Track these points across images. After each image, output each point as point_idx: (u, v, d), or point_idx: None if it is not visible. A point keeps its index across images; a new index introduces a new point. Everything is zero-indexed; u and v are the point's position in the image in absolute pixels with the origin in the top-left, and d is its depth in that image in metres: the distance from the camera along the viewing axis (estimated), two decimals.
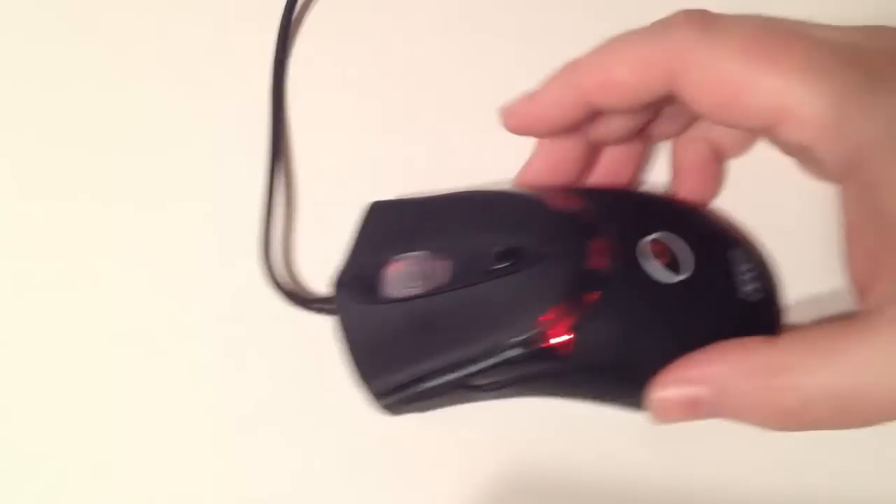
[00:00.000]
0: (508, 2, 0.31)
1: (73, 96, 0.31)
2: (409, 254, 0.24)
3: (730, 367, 0.20)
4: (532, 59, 0.24)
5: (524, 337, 0.22)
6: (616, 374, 0.23)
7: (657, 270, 0.22)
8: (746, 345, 0.20)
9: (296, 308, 0.27)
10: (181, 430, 0.27)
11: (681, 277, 0.23)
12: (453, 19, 0.31)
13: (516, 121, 0.24)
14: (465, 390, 0.23)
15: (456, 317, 0.23)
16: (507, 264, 0.23)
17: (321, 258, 0.27)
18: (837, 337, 0.19)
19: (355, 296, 0.24)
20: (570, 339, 0.22)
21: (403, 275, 0.24)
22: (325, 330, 0.25)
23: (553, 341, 0.22)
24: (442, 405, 0.25)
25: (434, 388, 0.23)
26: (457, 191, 0.26)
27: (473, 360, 0.22)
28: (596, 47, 0.22)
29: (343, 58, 0.31)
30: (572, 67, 0.22)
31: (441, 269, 0.24)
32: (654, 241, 0.23)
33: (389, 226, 0.26)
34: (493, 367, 0.22)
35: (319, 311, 0.26)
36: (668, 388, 0.21)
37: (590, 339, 0.22)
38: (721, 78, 0.20)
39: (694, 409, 0.21)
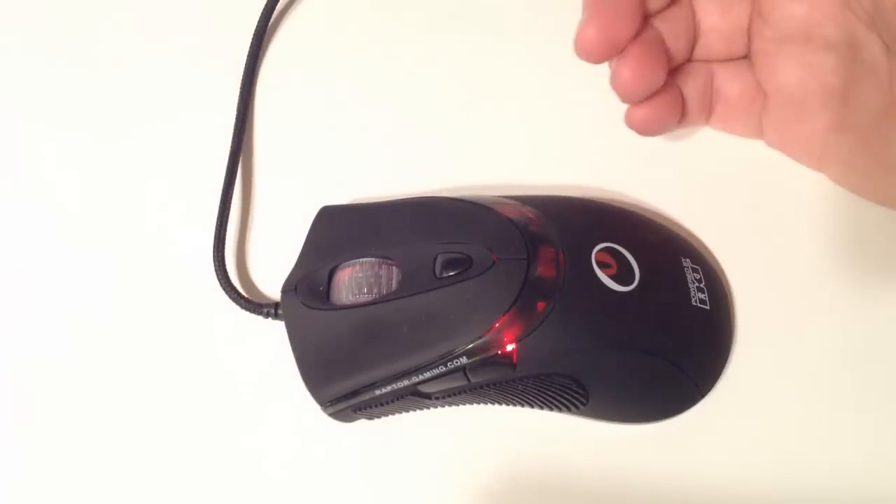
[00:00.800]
0: (469, 10, 0.31)
1: None
2: (357, 260, 0.24)
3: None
4: (487, 71, 0.24)
5: (473, 345, 0.22)
6: (564, 382, 0.22)
7: (607, 280, 0.22)
8: None
9: (247, 313, 0.26)
10: (131, 438, 0.27)
11: (631, 287, 0.22)
12: (420, 30, 0.31)
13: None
14: (415, 398, 0.23)
15: (405, 324, 0.22)
16: (456, 272, 0.22)
17: (276, 263, 0.26)
18: None
19: (303, 301, 0.24)
20: (519, 347, 0.22)
21: (352, 281, 0.24)
22: (278, 335, 0.25)
23: (502, 349, 0.22)
24: (391, 413, 0.24)
25: (382, 395, 0.23)
26: (407, 198, 0.26)
27: (422, 368, 0.22)
28: None
29: (310, 66, 0.31)
30: None
31: (389, 276, 0.24)
32: (603, 250, 0.23)
33: (339, 231, 0.26)
34: (442, 374, 0.22)
35: (269, 315, 0.26)
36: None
37: (539, 347, 0.22)
38: None
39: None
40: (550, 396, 0.23)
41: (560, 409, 0.24)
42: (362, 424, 0.25)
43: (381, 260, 0.24)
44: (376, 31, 0.31)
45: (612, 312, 0.22)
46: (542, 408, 0.23)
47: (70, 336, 0.28)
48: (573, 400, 0.23)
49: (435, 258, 0.23)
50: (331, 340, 0.23)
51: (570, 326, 0.22)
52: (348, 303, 0.23)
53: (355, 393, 0.23)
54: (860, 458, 0.23)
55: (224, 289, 0.26)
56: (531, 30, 0.30)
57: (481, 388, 0.23)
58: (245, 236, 0.29)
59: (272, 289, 0.28)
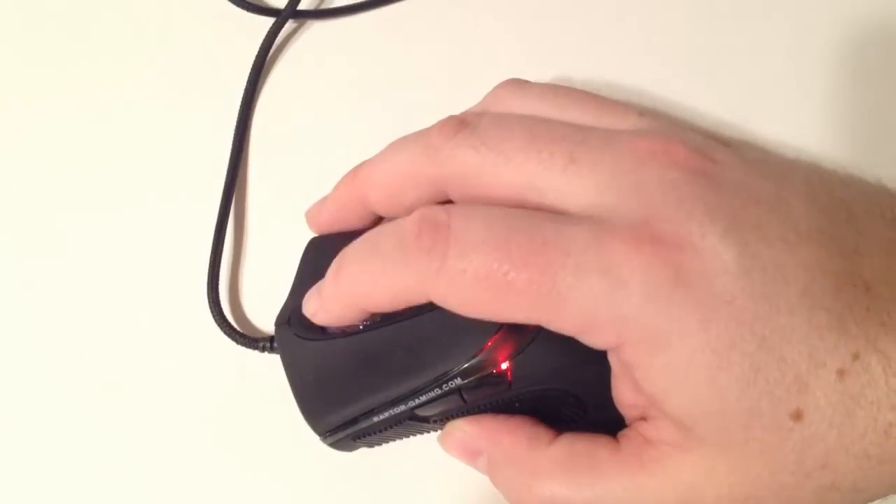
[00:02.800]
0: (464, 41, 0.31)
1: None
2: None
3: (501, 450, 0.22)
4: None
5: (467, 366, 0.22)
6: (560, 396, 0.23)
7: None
8: (525, 436, 0.22)
9: (243, 348, 0.26)
10: (124, 472, 0.27)
11: None
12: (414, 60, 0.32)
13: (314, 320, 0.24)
14: (413, 422, 0.23)
15: (397, 350, 0.22)
16: None
17: (271, 296, 0.26)
18: (602, 461, 0.20)
19: (297, 333, 0.24)
20: (513, 364, 0.22)
21: None
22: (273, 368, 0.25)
23: (496, 368, 0.22)
24: (390, 439, 0.24)
25: (380, 422, 0.23)
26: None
27: (418, 392, 0.22)
28: (352, 257, 0.22)
29: (308, 97, 0.32)
30: (340, 287, 0.22)
31: None
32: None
33: (328, 261, 0.26)
34: (439, 397, 0.22)
35: (265, 349, 0.26)
36: (454, 434, 0.23)
37: (532, 363, 0.22)
38: (474, 304, 0.20)
39: (468, 463, 0.23)
40: (548, 412, 0.23)
41: (561, 425, 0.24)
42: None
43: None
44: (373, 65, 0.32)
45: None
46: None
47: (63, 376, 0.28)
48: (571, 413, 0.23)
49: None
50: (326, 370, 0.23)
51: (561, 340, 0.22)
52: (341, 332, 0.24)
53: (353, 421, 0.23)
54: None
55: (219, 325, 0.27)
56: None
57: (478, 408, 0.23)
58: (238, 271, 0.29)
59: (266, 322, 0.28)
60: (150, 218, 0.30)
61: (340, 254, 0.22)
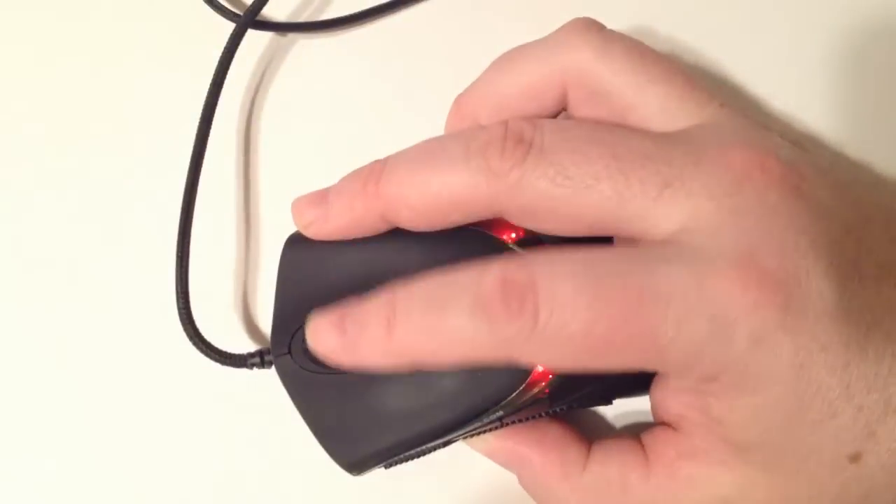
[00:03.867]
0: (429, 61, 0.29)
1: None
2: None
3: (532, 474, 0.22)
4: None
5: (511, 397, 0.20)
6: (593, 399, 0.22)
7: None
8: (558, 457, 0.21)
9: (228, 368, 0.24)
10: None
11: None
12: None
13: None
14: (444, 446, 0.22)
15: (431, 382, 0.21)
16: None
17: (248, 303, 0.24)
18: (634, 484, 0.20)
19: (303, 366, 0.22)
20: (551, 384, 0.21)
21: None
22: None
23: (537, 394, 0.21)
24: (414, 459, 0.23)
25: (413, 454, 0.22)
26: None
27: (458, 426, 0.21)
28: (411, 312, 0.19)
29: (276, 92, 0.29)
30: (391, 343, 0.19)
31: None
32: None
33: (316, 265, 0.23)
34: (478, 428, 0.21)
35: (255, 366, 0.24)
36: (480, 447, 0.23)
37: (571, 380, 0.21)
38: (567, 365, 0.18)
39: (502, 465, 0.23)
40: (577, 410, 0.23)
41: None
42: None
43: None
44: (348, 66, 0.29)
45: None
46: None
47: (38, 426, 0.25)
48: (598, 405, 0.23)
49: None
50: (348, 407, 0.21)
51: None
52: None
53: (385, 455, 0.22)
54: None
55: (199, 348, 0.24)
56: None
57: (514, 423, 0.22)
58: (209, 281, 0.26)
59: (246, 334, 0.25)
60: (108, 225, 0.27)
61: (389, 299, 0.19)
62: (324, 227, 0.22)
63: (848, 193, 0.19)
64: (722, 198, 0.18)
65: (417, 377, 0.21)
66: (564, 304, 0.17)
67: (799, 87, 0.27)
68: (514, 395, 0.20)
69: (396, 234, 0.22)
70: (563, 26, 0.22)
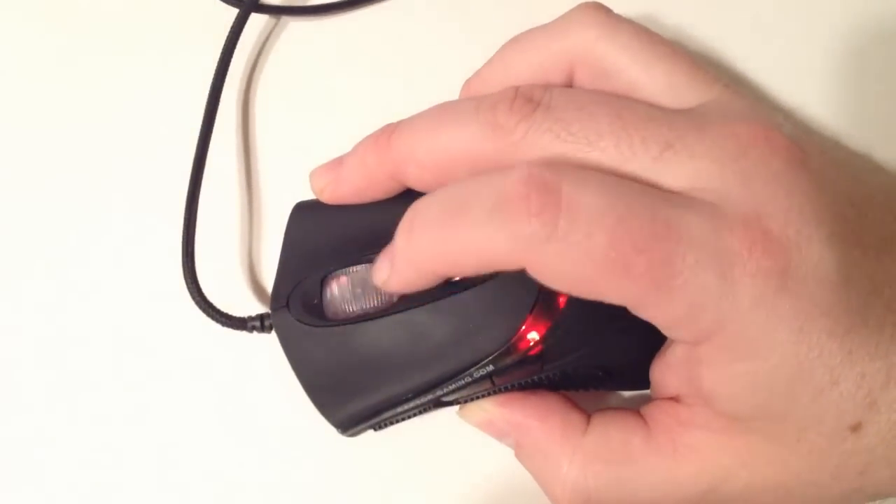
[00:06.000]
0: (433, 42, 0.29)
1: None
2: (351, 266, 0.22)
3: (532, 440, 0.21)
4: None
5: (499, 352, 0.20)
6: (589, 369, 0.22)
7: None
8: (558, 421, 0.21)
9: (231, 330, 0.24)
10: (118, 466, 0.25)
11: None
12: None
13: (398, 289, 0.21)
14: (436, 407, 0.22)
15: (420, 338, 0.21)
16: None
17: (253, 269, 0.24)
18: (636, 447, 0.20)
19: (299, 318, 0.22)
20: (544, 344, 0.21)
21: (348, 290, 0.22)
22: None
23: (528, 351, 0.21)
24: (404, 419, 0.23)
25: (403, 412, 0.22)
26: None
27: (447, 380, 0.21)
28: (431, 216, 0.19)
29: (276, 73, 0.29)
30: (411, 249, 0.20)
31: None
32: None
33: (321, 230, 0.23)
34: (469, 384, 0.21)
35: (255, 329, 0.24)
36: (478, 414, 0.22)
37: (564, 341, 0.21)
38: (578, 280, 0.18)
39: (500, 440, 0.22)
40: (575, 383, 0.22)
41: (581, 390, 0.23)
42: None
43: None
44: (345, 57, 0.29)
45: None
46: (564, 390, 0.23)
47: (41, 380, 0.26)
48: (596, 381, 0.22)
49: None
50: (340, 360, 0.21)
51: (589, 317, 0.21)
52: (350, 316, 0.22)
53: (375, 413, 0.22)
54: None
55: (200, 307, 0.24)
56: None
57: (507, 388, 0.22)
58: (215, 247, 0.26)
59: (251, 299, 0.26)
60: (117, 199, 0.28)
61: (412, 210, 0.19)
62: (337, 190, 0.22)
63: (850, 171, 0.19)
64: (726, 161, 0.18)
65: (407, 330, 0.21)
66: (591, 217, 0.17)
67: (799, 86, 0.27)
68: (503, 348, 0.20)
69: (399, 201, 0.23)
70: (570, 10, 0.22)
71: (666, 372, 0.20)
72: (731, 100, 0.20)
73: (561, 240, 0.17)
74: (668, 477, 0.20)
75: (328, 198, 0.23)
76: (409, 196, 0.23)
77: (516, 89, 0.20)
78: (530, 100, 0.19)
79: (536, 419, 0.21)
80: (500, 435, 0.22)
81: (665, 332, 0.19)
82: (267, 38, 0.30)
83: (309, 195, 0.24)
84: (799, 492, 0.19)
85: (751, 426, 0.18)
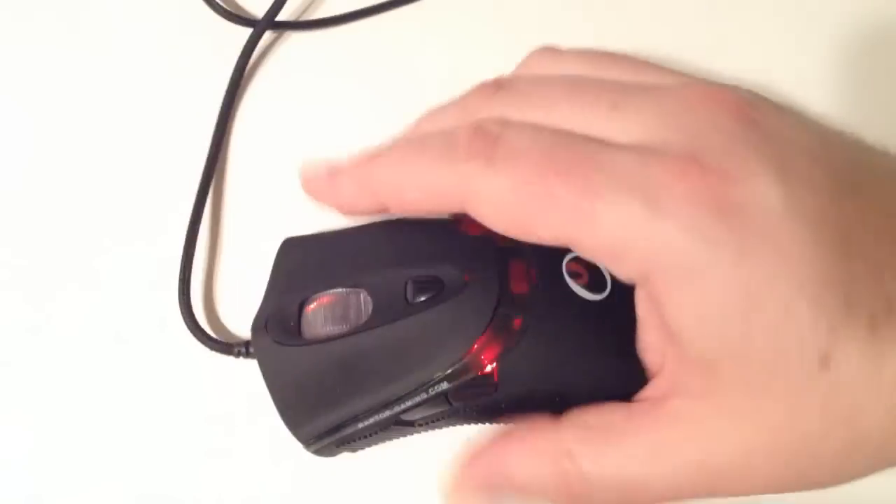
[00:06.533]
0: (450, 52, 0.31)
1: None
2: (326, 291, 0.24)
3: (515, 456, 0.21)
4: None
5: (452, 369, 0.21)
6: (546, 397, 0.22)
7: (579, 289, 0.22)
8: (533, 427, 0.21)
9: (218, 354, 0.26)
10: (95, 483, 0.26)
11: (603, 295, 0.22)
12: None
13: (316, 196, 0.23)
14: (398, 427, 0.23)
15: (381, 354, 0.22)
16: (429, 296, 0.22)
17: (245, 300, 0.26)
18: (621, 425, 0.19)
19: (274, 338, 0.23)
20: (499, 366, 0.22)
21: (323, 314, 0.23)
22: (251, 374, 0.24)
23: (482, 371, 0.21)
24: (374, 444, 0.24)
25: (365, 428, 0.23)
26: (370, 223, 0.26)
27: (403, 398, 0.22)
28: (392, 152, 0.21)
29: (288, 107, 0.31)
30: (367, 171, 0.22)
31: (361, 305, 0.23)
32: (574, 260, 0.23)
33: (304, 262, 0.25)
34: (424, 402, 0.22)
35: (241, 355, 0.25)
36: (463, 489, 0.21)
37: (518, 364, 0.22)
38: (510, 212, 0.19)
39: (493, 493, 0.21)
40: (532, 409, 0.23)
41: None
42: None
43: (350, 289, 0.23)
44: (354, 76, 0.31)
45: (588, 322, 0.22)
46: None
47: (32, 396, 0.27)
48: (553, 407, 0.23)
49: (406, 283, 0.23)
50: (308, 377, 0.23)
51: (547, 341, 0.22)
52: (322, 336, 0.23)
53: (338, 428, 0.23)
54: None
55: (191, 331, 0.26)
56: None
57: (465, 411, 0.23)
58: (211, 273, 0.28)
59: (241, 326, 0.27)
60: (122, 220, 0.29)
61: (376, 147, 0.22)
62: (328, 200, 0.23)
63: (813, 130, 0.19)
64: (669, 117, 0.18)
65: (370, 347, 0.22)
66: (520, 149, 0.19)
67: (799, 87, 0.28)
68: (456, 366, 0.21)
69: (383, 232, 0.25)
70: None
71: (643, 333, 0.21)
72: (688, 79, 0.21)
73: (493, 172, 0.18)
74: (656, 450, 0.19)
75: (318, 200, 0.23)
76: (393, 227, 0.25)
77: (488, 79, 0.22)
78: (497, 83, 0.21)
79: (509, 438, 0.21)
80: (487, 487, 0.21)
81: (611, 269, 0.19)
82: (269, 54, 0.32)
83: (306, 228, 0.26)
84: (792, 451, 0.18)
85: (723, 380, 0.18)
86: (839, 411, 0.17)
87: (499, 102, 0.21)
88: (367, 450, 0.24)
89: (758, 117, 0.18)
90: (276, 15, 0.31)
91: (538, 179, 0.18)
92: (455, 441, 0.24)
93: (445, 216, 0.25)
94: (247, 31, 0.31)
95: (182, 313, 0.26)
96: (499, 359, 0.21)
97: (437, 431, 0.24)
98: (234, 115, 0.30)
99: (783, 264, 0.17)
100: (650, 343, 0.21)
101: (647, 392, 0.20)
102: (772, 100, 0.20)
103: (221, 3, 0.32)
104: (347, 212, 0.23)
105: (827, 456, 0.18)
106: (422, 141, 0.21)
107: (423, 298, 0.22)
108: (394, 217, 0.25)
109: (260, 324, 0.24)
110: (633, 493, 0.19)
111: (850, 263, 0.17)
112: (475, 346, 0.21)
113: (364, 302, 0.23)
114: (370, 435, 0.23)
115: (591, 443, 0.20)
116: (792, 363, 0.17)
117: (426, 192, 0.20)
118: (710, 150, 0.17)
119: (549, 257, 0.23)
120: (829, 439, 0.18)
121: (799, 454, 0.18)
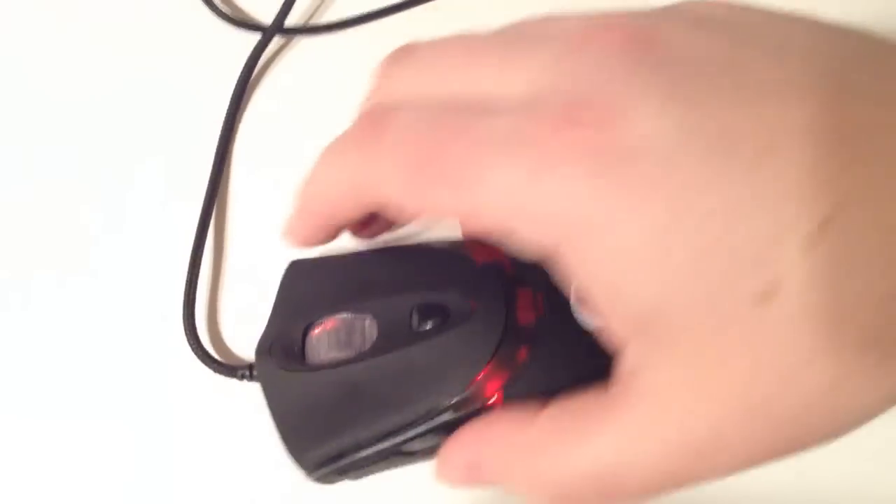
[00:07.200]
0: None
1: None
2: (331, 316, 0.23)
3: (492, 447, 0.20)
4: None
5: (457, 399, 0.21)
6: None
7: (586, 318, 0.22)
8: (512, 418, 0.20)
9: (222, 377, 0.25)
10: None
11: None
12: None
13: (300, 244, 0.23)
14: (399, 457, 0.22)
15: (385, 382, 0.22)
16: (434, 323, 0.22)
17: (250, 323, 0.25)
18: (590, 414, 0.18)
19: (278, 363, 0.23)
20: (504, 395, 0.21)
21: (327, 338, 0.23)
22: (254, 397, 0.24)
23: (486, 401, 0.21)
24: (375, 472, 0.23)
25: (366, 458, 0.22)
26: (378, 247, 0.25)
27: (406, 427, 0.21)
28: (312, 174, 0.21)
29: (295, 114, 0.31)
30: (301, 196, 0.21)
31: (366, 331, 0.23)
32: (579, 287, 0.22)
33: (310, 286, 0.25)
34: (427, 432, 0.21)
35: (244, 378, 0.25)
36: (447, 468, 0.21)
37: (523, 393, 0.21)
38: (407, 198, 0.18)
39: (473, 481, 0.20)
40: None
41: None
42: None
43: (355, 315, 0.23)
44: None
45: (592, 350, 0.22)
46: None
47: (32, 423, 0.27)
48: None
49: (412, 310, 0.22)
50: (310, 403, 0.22)
51: (553, 370, 0.22)
52: (325, 362, 0.23)
53: (339, 456, 0.22)
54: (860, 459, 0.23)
55: (195, 353, 0.26)
56: None
57: None
58: (216, 296, 0.28)
59: (245, 349, 0.27)
60: (125, 236, 0.29)
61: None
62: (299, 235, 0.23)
63: (726, 32, 0.17)
64: (558, 61, 0.17)
65: (375, 375, 0.22)
66: (406, 125, 0.18)
67: None
68: (461, 397, 0.21)
69: (389, 256, 0.25)
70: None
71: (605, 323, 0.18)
72: (595, 16, 0.19)
73: (384, 156, 0.18)
74: (632, 432, 0.17)
75: (291, 243, 0.23)
76: (400, 252, 0.25)
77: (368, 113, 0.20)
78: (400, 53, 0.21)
79: (484, 425, 0.20)
80: (474, 472, 0.20)
81: (518, 247, 0.17)
82: (276, 59, 0.32)
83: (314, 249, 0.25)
84: (759, 406, 0.16)
85: (665, 342, 0.16)
86: (799, 356, 0.15)
87: (396, 79, 0.20)
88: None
89: (651, 45, 0.16)
90: (283, 20, 0.31)
91: (420, 157, 0.18)
92: None
93: (456, 241, 0.24)
94: (254, 38, 0.31)
95: (186, 334, 0.26)
96: (504, 389, 0.21)
97: None
98: (237, 127, 0.30)
99: (685, 201, 0.15)
100: (598, 324, 0.19)
101: (617, 371, 0.18)
102: (706, 8, 0.18)
103: (227, 10, 0.32)
104: (310, 244, 0.22)
105: (801, 400, 0.15)
106: (329, 146, 0.20)
107: (428, 326, 0.22)
108: (401, 242, 0.25)
109: (264, 347, 0.24)
110: (610, 488, 0.18)
111: (776, 177, 0.15)
112: (480, 376, 0.21)
113: (369, 327, 0.23)
114: (370, 465, 0.22)
115: (566, 434, 0.18)
116: (727, 307, 0.15)
117: (349, 197, 0.20)
118: (586, 98, 0.16)
119: (557, 285, 0.22)
120: (799, 380, 0.15)
121: (769, 406, 0.16)
